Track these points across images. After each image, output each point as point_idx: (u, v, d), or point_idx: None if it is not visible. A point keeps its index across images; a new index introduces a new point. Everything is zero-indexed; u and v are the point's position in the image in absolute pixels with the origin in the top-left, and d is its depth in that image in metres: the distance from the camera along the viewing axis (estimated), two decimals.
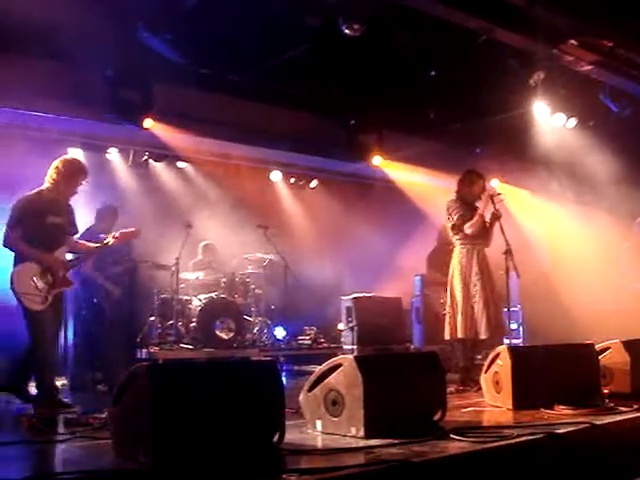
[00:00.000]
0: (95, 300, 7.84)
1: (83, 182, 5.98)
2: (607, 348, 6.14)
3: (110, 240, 6.15)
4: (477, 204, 7.37)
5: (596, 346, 6.00)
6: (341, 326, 10.90)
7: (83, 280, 7.61)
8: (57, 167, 5.84)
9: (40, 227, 5.67)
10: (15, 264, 5.62)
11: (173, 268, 9.33)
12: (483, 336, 6.98)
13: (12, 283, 5.58)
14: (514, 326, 10.32)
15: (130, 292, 8.44)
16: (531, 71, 9.12)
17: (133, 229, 6.38)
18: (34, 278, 5.59)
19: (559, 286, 10.86)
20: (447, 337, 7.26)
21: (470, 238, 7.19)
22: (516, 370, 5.30)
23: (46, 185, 5.82)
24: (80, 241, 6.24)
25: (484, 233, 7.26)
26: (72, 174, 5.86)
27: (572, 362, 5.59)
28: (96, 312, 7.84)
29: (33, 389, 5.90)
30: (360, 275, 12.27)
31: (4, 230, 5.62)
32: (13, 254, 5.65)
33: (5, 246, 5.61)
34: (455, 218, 7.21)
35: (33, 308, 5.54)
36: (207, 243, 10.95)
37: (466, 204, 7.29)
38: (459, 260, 7.20)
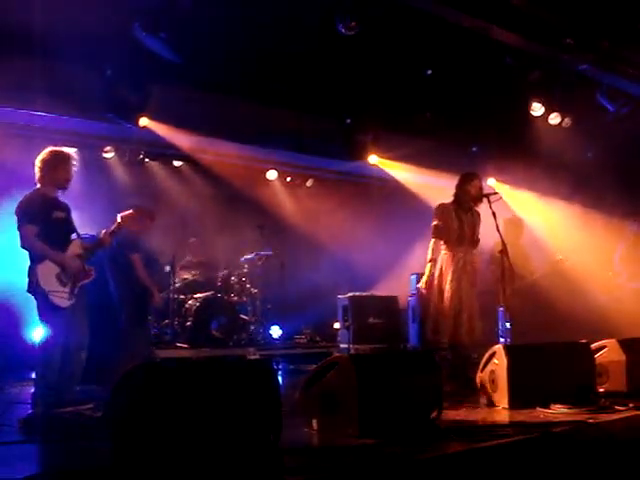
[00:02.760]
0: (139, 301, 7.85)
1: (73, 167, 5.89)
2: (603, 347, 6.15)
3: (111, 230, 6.05)
4: (476, 205, 7.37)
5: (592, 345, 6.01)
6: (337, 325, 10.91)
7: (135, 281, 7.68)
8: (38, 165, 5.74)
9: (48, 222, 5.59)
10: (36, 262, 5.50)
11: (169, 267, 9.32)
12: (444, 342, 7.02)
13: (37, 282, 5.43)
14: (509, 325, 10.31)
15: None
16: (527, 70, 9.13)
17: (132, 211, 6.26)
18: (59, 274, 5.54)
19: (556, 285, 10.87)
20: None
21: (451, 245, 7.20)
22: (512, 369, 5.30)
23: (39, 185, 5.78)
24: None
25: (466, 241, 7.26)
26: (55, 163, 5.78)
27: (568, 361, 5.60)
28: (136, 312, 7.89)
29: None
30: (356, 274, 12.27)
31: (19, 232, 5.56)
32: (29, 254, 5.55)
33: (23, 247, 5.55)
34: (432, 225, 7.27)
35: (62, 305, 5.49)
36: (193, 240, 10.94)
37: (452, 212, 7.26)
38: (439, 266, 7.21)
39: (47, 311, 5.49)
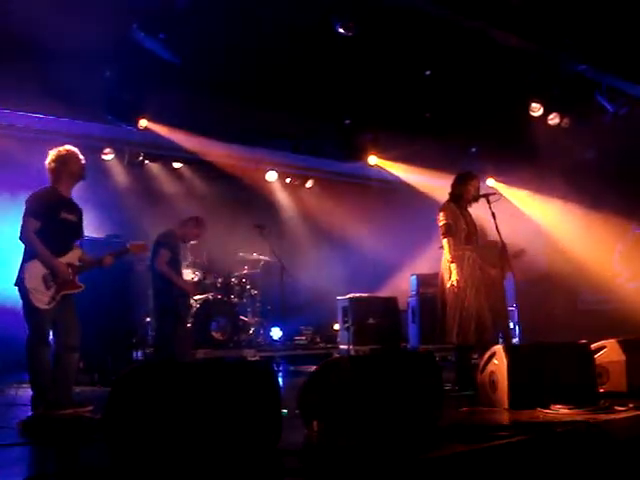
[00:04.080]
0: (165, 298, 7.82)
1: (80, 158, 5.93)
2: (603, 347, 6.14)
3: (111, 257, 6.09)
4: (471, 205, 7.36)
5: (592, 345, 6.01)
6: (337, 326, 10.91)
7: (155, 276, 7.72)
8: (50, 166, 5.79)
9: (54, 222, 5.61)
10: (27, 259, 5.52)
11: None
12: (471, 342, 6.98)
13: (21, 278, 5.48)
14: (510, 325, 10.33)
15: (125, 293, 8.43)
16: (526, 70, 9.13)
17: (143, 243, 6.44)
18: (45, 276, 5.55)
19: (555, 285, 10.88)
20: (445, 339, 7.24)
21: (460, 244, 7.15)
22: (512, 369, 5.30)
23: (52, 183, 5.80)
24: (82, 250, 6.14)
25: (472, 237, 7.24)
26: (65, 159, 5.80)
27: (568, 361, 5.60)
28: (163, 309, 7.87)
29: None
30: (356, 275, 12.28)
31: (21, 221, 5.56)
32: (24, 249, 5.56)
33: (21, 239, 5.56)
34: (440, 226, 7.19)
35: (38, 305, 5.47)
36: (194, 243, 10.93)
37: (457, 210, 7.23)
38: (448, 266, 7.15)
39: (27, 309, 5.51)
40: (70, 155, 5.86)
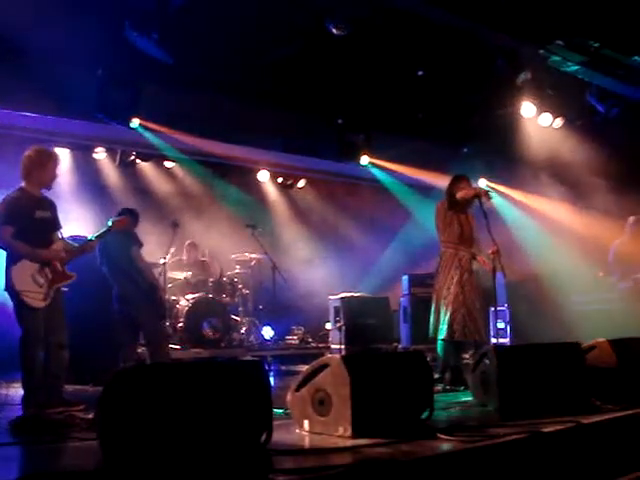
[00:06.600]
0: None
1: (57, 168, 5.88)
2: (593, 347, 6.15)
3: (95, 236, 6.04)
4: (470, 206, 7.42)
5: (583, 345, 6.02)
6: (329, 326, 10.91)
7: (138, 272, 7.46)
8: (26, 161, 5.72)
9: (30, 222, 5.58)
10: (11, 263, 5.49)
11: (160, 268, 9.27)
12: (460, 339, 7.03)
13: (10, 282, 5.44)
14: (501, 325, 10.35)
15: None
16: (518, 71, 9.16)
17: (124, 217, 6.40)
18: (34, 275, 5.53)
19: (547, 286, 10.90)
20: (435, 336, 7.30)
21: (453, 243, 7.22)
22: (502, 370, 5.31)
23: (24, 183, 5.75)
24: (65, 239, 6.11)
25: (466, 239, 7.29)
26: (42, 162, 5.74)
27: (558, 361, 5.61)
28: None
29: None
30: (348, 275, 12.29)
31: None
32: (6, 254, 5.54)
33: (0, 247, 5.53)
34: (446, 195, 7.31)
35: (35, 305, 5.47)
36: (189, 242, 10.90)
37: (451, 211, 7.30)
38: (439, 263, 7.25)
39: (21, 311, 5.49)
40: (49, 161, 5.78)
